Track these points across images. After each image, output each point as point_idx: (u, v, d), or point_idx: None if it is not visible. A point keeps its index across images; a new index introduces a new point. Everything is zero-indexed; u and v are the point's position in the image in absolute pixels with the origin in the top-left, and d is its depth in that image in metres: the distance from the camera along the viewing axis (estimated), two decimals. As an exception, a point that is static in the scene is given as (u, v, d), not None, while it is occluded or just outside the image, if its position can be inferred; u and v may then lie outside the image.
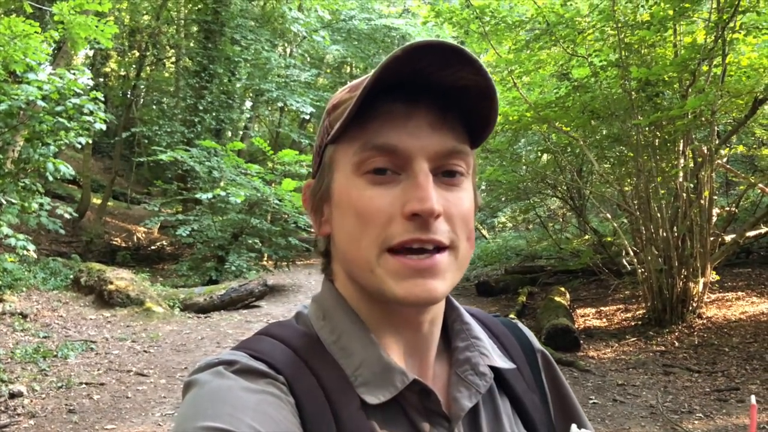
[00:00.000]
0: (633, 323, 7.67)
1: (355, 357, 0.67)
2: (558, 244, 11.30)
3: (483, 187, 13.45)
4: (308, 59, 18.40)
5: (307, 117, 16.39)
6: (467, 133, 0.69)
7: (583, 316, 8.44)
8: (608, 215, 8.19)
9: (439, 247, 0.64)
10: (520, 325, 0.90)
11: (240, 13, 14.24)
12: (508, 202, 12.54)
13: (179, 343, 7.02)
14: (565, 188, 10.18)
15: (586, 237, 10.88)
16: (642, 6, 6.15)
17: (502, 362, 0.76)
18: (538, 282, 10.69)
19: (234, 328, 7.95)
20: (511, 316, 8.39)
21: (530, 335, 0.88)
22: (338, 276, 0.73)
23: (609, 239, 8.98)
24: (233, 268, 10.87)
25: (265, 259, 12.98)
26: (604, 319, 8.18)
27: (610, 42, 6.49)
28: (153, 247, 14.30)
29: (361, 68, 17.46)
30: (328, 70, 19.13)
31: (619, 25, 6.10)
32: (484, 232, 15.06)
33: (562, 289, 9.28)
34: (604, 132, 7.45)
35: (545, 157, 10.28)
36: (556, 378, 0.86)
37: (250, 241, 11.63)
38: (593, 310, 8.66)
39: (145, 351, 6.55)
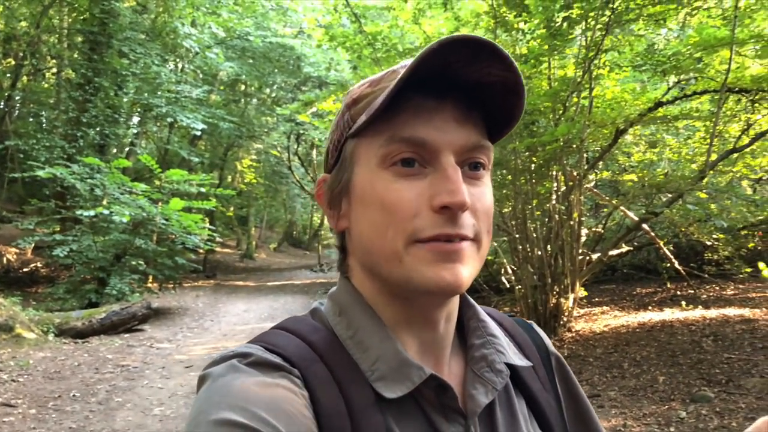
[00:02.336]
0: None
1: (372, 351, 0.67)
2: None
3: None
4: (201, 75, 18.08)
5: (198, 134, 16.04)
6: (489, 127, 0.70)
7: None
8: (490, 235, 8.63)
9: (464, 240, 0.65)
10: (535, 326, 0.90)
11: (129, 26, 13.75)
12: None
13: (53, 370, 6.64)
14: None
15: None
16: (520, 41, 6.66)
17: (518, 360, 0.76)
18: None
19: (114, 353, 7.62)
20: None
21: (545, 336, 0.89)
22: (355, 271, 0.73)
23: (490, 258, 9.47)
24: (115, 291, 10.36)
25: (150, 280, 12.51)
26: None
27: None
28: (25, 269, 13.36)
29: (256, 86, 17.36)
30: (222, 87, 18.87)
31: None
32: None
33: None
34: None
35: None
36: (569, 379, 0.86)
37: (133, 263, 11.16)
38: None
39: (13, 380, 6.13)
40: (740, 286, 9.57)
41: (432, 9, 6.97)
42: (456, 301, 0.73)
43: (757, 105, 7.06)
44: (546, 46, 6.10)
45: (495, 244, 8.25)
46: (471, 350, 0.74)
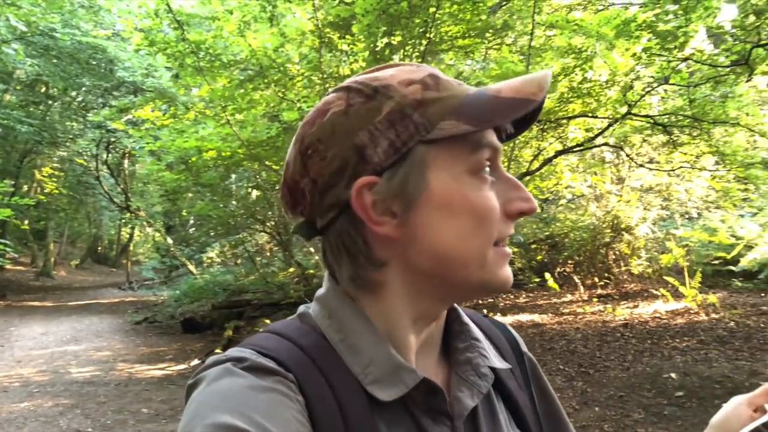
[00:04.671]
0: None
1: (364, 355, 0.67)
2: (265, 277, 11.65)
3: (192, 222, 13.26)
4: (-8, 72, 16.17)
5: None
6: None
7: (287, 347, 8.80)
8: (312, 249, 8.77)
9: None
10: (509, 326, 0.91)
11: None
12: (218, 237, 12.53)
13: None
14: (273, 223, 10.63)
15: (292, 270, 11.42)
16: (344, 62, 6.92)
17: (499, 363, 0.77)
18: (244, 315, 10.85)
19: None
20: (217, 351, 8.39)
21: (518, 337, 0.89)
22: (393, 281, 0.69)
23: (312, 272, 9.62)
24: None
25: None
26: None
27: (316, 90, 7.11)
28: None
29: (60, 88, 15.91)
30: (18, 87, 17.01)
31: (325, 75, 6.75)
32: (192, 267, 14.75)
33: (267, 321, 9.58)
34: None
35: (255, 193, 10.59)
36: (540, 379, 0.88)
37: None
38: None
39: None
40: (530, 294, 10.67)
41: (258, 23, 6.98)
42: None
43: (545, 133, 8.00)
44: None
45: (317, 257, 8.38)
46: (455, 353, 0.75)
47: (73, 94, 17.62)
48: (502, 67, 7.08)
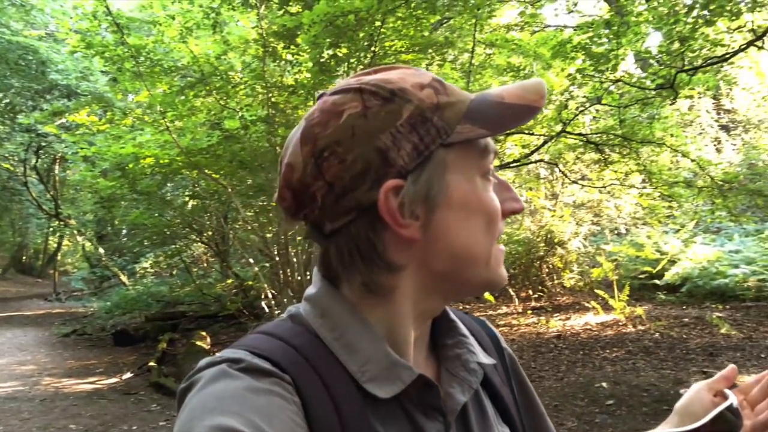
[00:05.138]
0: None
1: (361, 353, 0.67)
2: (201, 289, 11.41)
3: (122, 231, 12.86)
4: None
5: None
6: None
7: (223, 359, 8.64)
8: (251, 260, 8.67)
9: None
10: (488, 322, 0.92)
11: None
12: (153, 247, 12.20)
13: None
14: (211, 233, 10.45)
15: (229, 281, 11.25)
16: (288, 71, 6.91)
17: (485, 358, 0.78)
18: (179, 328, 10.59)
19: None
20: (151, 363, 8.16)
21: (498, 333, 0.91)
22: (404, 285, 0.69)
23: (250, 283, 9.48)
24: None
25: None
26: (244, 361, 8.50)
27: (259, 99, 7.07)
28: None
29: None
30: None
31: (268, 85, 6.73)
32: (124, 278, 14.29)
33: (204, 333, 9.39)
34: (250, 181, 7.95)
35: (192, 202, 10.40)
36: (520, 374, 0.89)
37: None
38: (234, 353, 8.94)
39: None
40: (467, 306, 10.79)
41: (200, 30, 6.90)
42: None
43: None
44: (312, 81, 6.39)
45: (256, 269, 8.29)
46: (444, 350, 0.76)
47: (0, 95, 16.85)
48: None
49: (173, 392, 6.76)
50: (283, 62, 6.82)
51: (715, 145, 12.00)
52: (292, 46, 6.43)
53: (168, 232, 10.18)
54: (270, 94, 6.84)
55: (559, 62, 7.44)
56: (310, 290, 0.73)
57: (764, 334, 6.98)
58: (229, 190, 7.44)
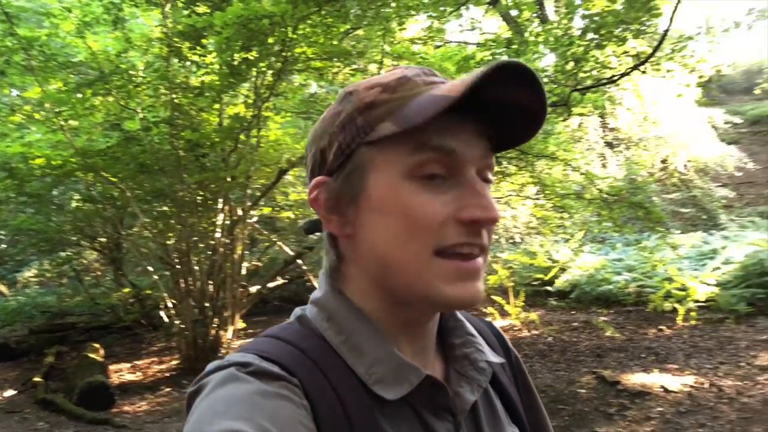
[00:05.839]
0: (168, 374, 7.85)
1: (368, 356, 0.67)
2: (93, 298, 10.77)
3: (3, 237, 11.92)
4: None
5: None
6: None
7: (117, 372, 8.22)
8: (149, 268, 8.32)
9: (481, 250, 0.67)
10: (493, 323, 0.91)
11: None
12: (40, 254, 11.39)
13: None
14: (105, 240, 9.92)
15: (126, 290, 10.72)
16: (193, 72, 6.72)
17: (494, 357, 0.77)
18: (67, 340, 9.94)
19: None
20: (37, 378, 7.62)
21: (503, 334, 0.91)
22: (354, 279, 0.71)
23: (148, 292, 9.08)
24: None
25: None
26: (139, 373, 8.13)
27: (162, 100, 6.82)
28: None
29: None
30: None
31: (173, 86, 6.51)
32: (3, 288, 13.23)
33: (96, 345, 8.87)
34: (148, 186, 7.64)
35: (84, 206, 9.83)
36: (525, 375, 0.89)
37: None
38: (128, 365, 8.53)
39: None
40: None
41: (100, 25, 6.56)
42: None
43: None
44: (219, 84, 6.25)
45: (156, 277, 7.97)
46: (452, 350, 0.76)
47: None
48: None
49: (62, 409, 6.37)
50: (188, 63, 6.62)
51: (601, 161, 12.87)
52: (198, 47, 6.26)
53: (57, 239, 9.55)
54: (174, 96, 6.62)
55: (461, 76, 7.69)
56: (316, 294, 0.74)
57: (643, 335, 7.53)
58: (128, 194, 7.11)
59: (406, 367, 0.66)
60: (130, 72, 6.48)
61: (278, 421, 0.55)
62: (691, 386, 5.55)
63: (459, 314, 0.79)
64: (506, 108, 0.67)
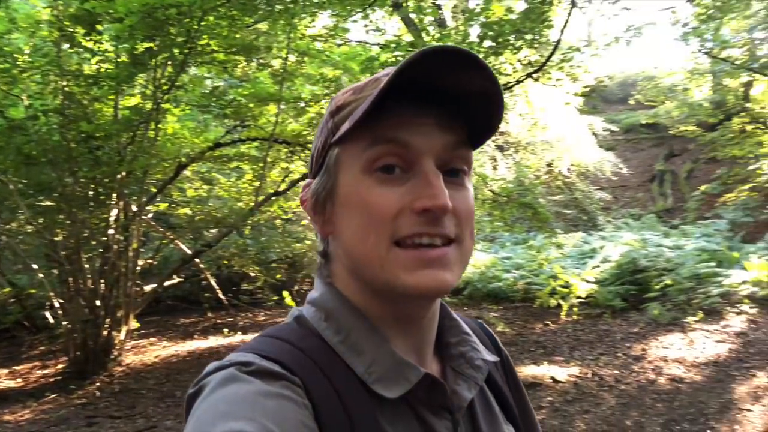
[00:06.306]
0: (53, 379, 7.37)
1: (367, 355, 0.67)
2: (-36, 300, 9.87)
3: None
4: None
5: None
6: (468, 135, 0.71)
7: (-6, 379, 7.63)
8: (34, 266, 7.76)
9: (448, 241, 0.67)
10: (484, 323, 0.92)
11: None
12: None
13: None
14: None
15: (5, 290, 9.92)
16: (87, 60, 6.33)
17: (489, 356, 0.78)
18: (-69, 346, 9.07)
19: None
20: None
21: (494, 334, 0.91)
22: (339, 276, 0.73)
23: (32, 291, 8.46)
24: None
25: None
26: (20, 379, 7.58)
27: (51, 87, 6.39)
28: None
29: None
30: None
31: (64, 72, 6.11)
32: None
33: (-32, 350, 8.18)
34: (34, 178, 7.12)
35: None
36: (515, 374, 0.89)
37: None
38: (6, 371, 7.92)
39: None
40: (269, 312, 10.79)
41: (-22, 3, 6.04)
42: (438, 300, 0.75)
43: (294, 156, 8.31)
44: (121, 73, 5.94)
45: (41, 275, 7.45)
46: (448, 348, 0.77)
47: None
48: (256, 87, 7.21)
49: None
50: (81, 49, 6.24)
51: (492, 163, 13.44)
52: (93, 33, 5.92)
53: None
54: (65, 84, 6.22)
55: (368, 77, 7.77)
56: (313, 294, 0.75)
57: (531, 330, 7.98)
58: (11, 187, 6.60)
59: (405, 365, 0.67)
60: (15, 55, 6.02)
61: (281, 422, 0.55)
62: (576, 376, 5.97)
63: (454, 314, 0.80)
64: (469, 98, 0.67)
